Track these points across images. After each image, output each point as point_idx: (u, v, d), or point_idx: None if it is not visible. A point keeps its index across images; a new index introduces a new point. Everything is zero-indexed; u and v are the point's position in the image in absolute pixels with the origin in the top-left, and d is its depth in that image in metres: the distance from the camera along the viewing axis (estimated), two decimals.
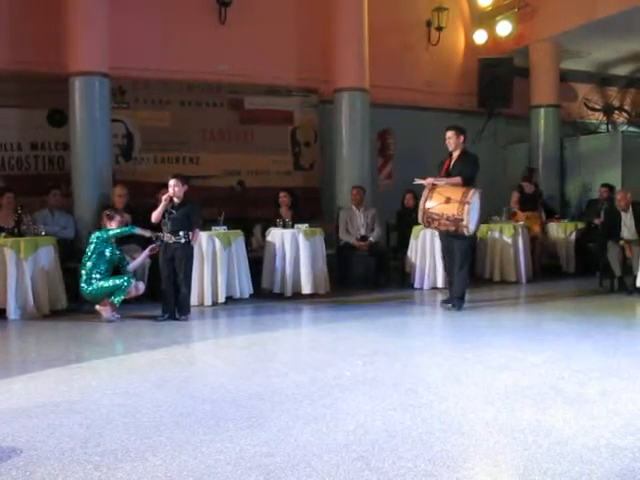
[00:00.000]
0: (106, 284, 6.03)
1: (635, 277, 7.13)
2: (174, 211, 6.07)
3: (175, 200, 6.08)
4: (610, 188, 9.29)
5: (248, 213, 8.75)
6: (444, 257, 6.87)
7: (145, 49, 8.45)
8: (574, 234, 9.36)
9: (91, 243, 6.12)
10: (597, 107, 12.21)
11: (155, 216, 6.09)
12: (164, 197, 6.07)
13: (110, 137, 8.03)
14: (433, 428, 3.10)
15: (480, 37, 10.80)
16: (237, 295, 6.97)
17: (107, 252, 6.15)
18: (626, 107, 12.50)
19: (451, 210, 6.14)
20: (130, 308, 6.29)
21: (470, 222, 6.14)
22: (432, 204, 6.25)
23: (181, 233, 6.05)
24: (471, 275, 7.33)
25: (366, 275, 8.47)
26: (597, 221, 8.74)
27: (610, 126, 12.24)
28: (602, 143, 10.72)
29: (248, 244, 7.55)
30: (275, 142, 9.47)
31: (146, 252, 6.35)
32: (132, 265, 6.42)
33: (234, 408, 3.42)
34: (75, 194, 7.72)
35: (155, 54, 8.51)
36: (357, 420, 3.21)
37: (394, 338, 5.42)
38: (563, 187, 10.90)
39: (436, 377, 4.07)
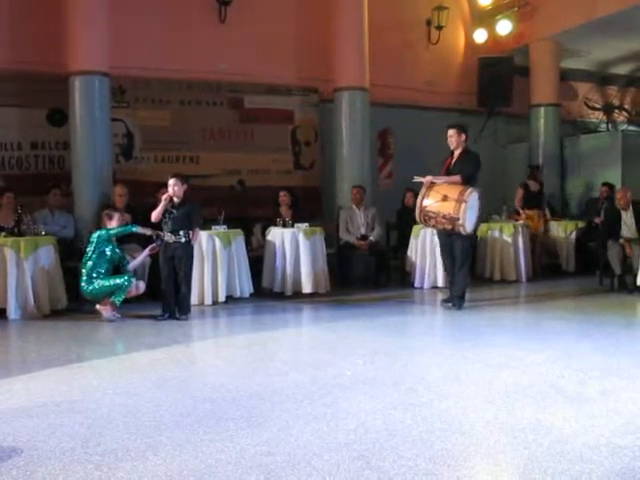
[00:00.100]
0: (106, 283, 6.03)
1: (635, 276, 7.12)
2: (174, 210, 6.07)
3: (175, 199, 6.08)
4: (610, 187, 9.30)
5: (248, 212, 8.75)
6: (443, 256, 6.85)
7: (145, 48, 8.44)
8: (574, 233, 9.37)
9: (92, 242, 6.11)
10: (597, 106, 12.20)
11: (155, 216, 6.09)
12: (164, 197, 6.07)
13: (110, 136, 8.03)
14: (433, 427, 3.10)
15: (480, 36, 10.80)
16: (237, 294, 6.98)
17: (108, 251, 6.14)
18: (626, 106, 12.50)
19: (447, 208, 6.06)
20: (130, 307, 6.29)
21: (466, 221, 6.04)
22: (429, 202, 6.18)
23: (181, 232, 6.05)
24: (471, 274, 7.32)
25: (366, 274, 8.46)
26: (597, 220, 8.73)
27: (610, 125, 12.24)
28: (602, 142, 10.71)
29: (248, 243, 7.55)
30: (275, 141, 9.46)
31: (146, 251, 6.35)
32: (132, 264, 6.42)
33: (234, 407, 3.42)
34: (75, 194, 7.71)
35: (155, 53, 8.50)
36: (357, 419, 3.21)
37: (394, 337, 5.42)
38: (563, 186, 10.89)
39: (436, 376, 4.07)
